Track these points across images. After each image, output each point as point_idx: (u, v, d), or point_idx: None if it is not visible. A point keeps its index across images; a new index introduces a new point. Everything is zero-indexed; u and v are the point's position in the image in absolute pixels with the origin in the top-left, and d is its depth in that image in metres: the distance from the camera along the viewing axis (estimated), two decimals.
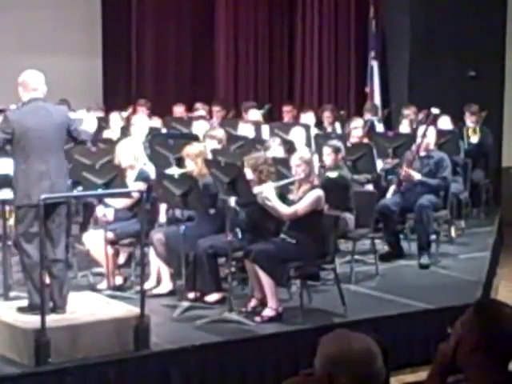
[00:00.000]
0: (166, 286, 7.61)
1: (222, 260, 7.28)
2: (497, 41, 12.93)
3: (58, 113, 6.37)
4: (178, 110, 12.64)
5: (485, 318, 2.82)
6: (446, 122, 10.81)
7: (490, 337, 2.78)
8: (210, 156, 8.21)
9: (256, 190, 6.90)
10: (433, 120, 9.70)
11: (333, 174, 8.36)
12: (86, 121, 6.64)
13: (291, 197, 7.09)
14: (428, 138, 9.14)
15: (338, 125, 12.14)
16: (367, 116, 12.17)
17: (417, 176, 8.95)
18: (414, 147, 9.24)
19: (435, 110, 9.67)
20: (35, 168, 6.10)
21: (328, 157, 8.62)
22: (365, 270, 8.42)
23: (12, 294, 7.11)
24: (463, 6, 12.66)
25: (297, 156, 7.29)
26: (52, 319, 5.90)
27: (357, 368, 2.61)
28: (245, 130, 10.54)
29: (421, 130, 9.32)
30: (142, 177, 7.86)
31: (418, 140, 9.17)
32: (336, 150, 8.63)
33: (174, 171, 7.90)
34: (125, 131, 10.20)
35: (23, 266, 6.22)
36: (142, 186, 7.61)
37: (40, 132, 6.12)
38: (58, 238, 6.24)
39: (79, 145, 6.89)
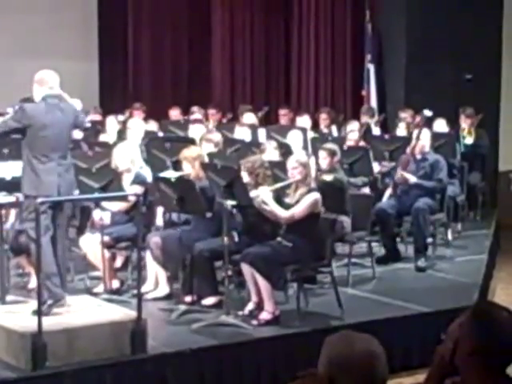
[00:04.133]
0: (163, 289, 7.60)
1: (218, 263, 7.28)
2: (493, 44, 12.93)
3: (70, 111, 6.56)
4: (174, 114, 12.64)
5: (482, 324, 2.80)
6: (441, 125, 10.82)
7: (488, 342, 2.77)
8: (206, 159, 8.21)
9: (253, 193, 6.90)
10: (426, 122, 9.71)
11: (329, 177, 8.37)
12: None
13: (288, 200, 7.08)
14: (422, 140, 9.15)
15: (334, 128, 12.14)
16: (364, 119, 12.17)
17: (412, 179, 8.96)
18: (408, 150, 9.25)
19: (428, 113, 9.68)
20: (46, 164, 6.27)
21: (324, 160, 8.63)
22: (362, 273, 8.43)
23: (9, 297, 7.09)
24: (460, 9, 12.66)
25: (293, 159, 7.29)
26: (49, 323, 5.89)
27: (358, 370, 2.60)
28: (241, 133, 10.53)
29: (415, 132, 9.35)
30: (138, 180, 7.86)
31: (412, 142, 9.18)
32: (331, 154, 8.64)
33: (171, 174, 7.89)
34: (121, 135, 10.20)
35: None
36: (138, 189, 7.62)
37: (55, 130, 6.33)
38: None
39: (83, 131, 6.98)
